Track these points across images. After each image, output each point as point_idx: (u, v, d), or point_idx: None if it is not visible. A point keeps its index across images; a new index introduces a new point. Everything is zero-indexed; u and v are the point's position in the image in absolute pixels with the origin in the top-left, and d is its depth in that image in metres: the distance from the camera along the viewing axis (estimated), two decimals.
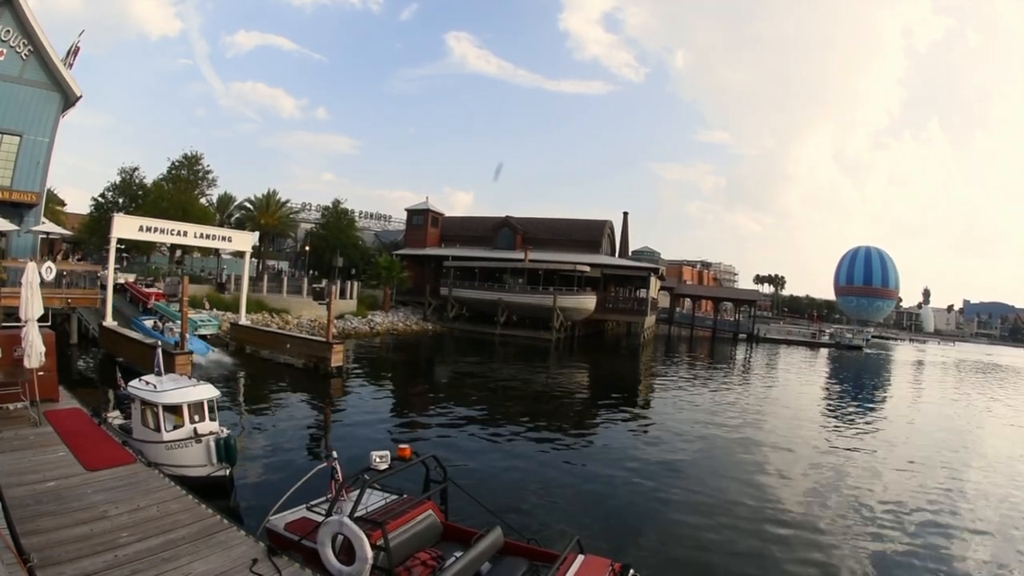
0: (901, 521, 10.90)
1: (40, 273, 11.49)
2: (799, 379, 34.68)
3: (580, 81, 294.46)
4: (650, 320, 49.77)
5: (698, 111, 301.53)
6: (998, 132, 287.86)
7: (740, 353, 48.77)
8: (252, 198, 48.47)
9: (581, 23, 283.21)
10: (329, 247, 50.22)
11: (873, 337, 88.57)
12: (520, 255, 45.09)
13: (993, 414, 26.46)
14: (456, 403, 19.17)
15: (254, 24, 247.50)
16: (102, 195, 40.32)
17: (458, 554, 5.94)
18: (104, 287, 23.20)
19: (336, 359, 21.58)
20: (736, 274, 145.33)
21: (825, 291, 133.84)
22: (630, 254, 62.68)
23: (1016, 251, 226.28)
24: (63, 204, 48.00)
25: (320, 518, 6.42)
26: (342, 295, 37.95)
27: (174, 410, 9.68)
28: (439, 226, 54.74)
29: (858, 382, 35.47)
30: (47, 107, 25.42)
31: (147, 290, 27.92)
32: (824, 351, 57.87)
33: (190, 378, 11.05)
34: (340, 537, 5.86)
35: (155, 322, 23.01)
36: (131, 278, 29.98)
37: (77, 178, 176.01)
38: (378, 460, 6.35)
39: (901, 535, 10.23)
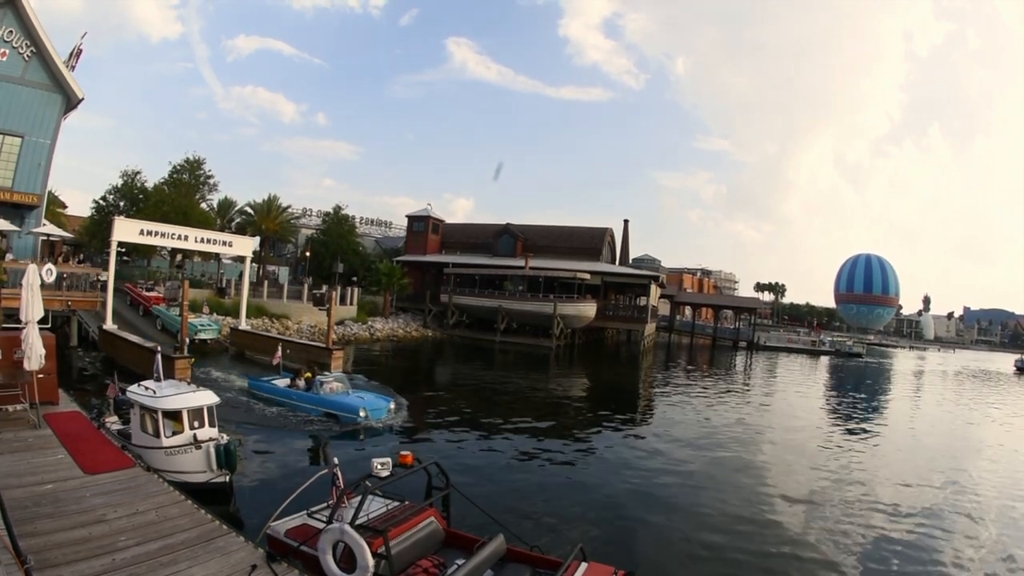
0: (906, 530, 10.82)
1: (40, 275, 11.44)
2: (799, 388, 34.56)
3: (580, 88, 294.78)
4: (650, 328, 49.71)
5: (698, 118, 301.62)
6: (999, 137, 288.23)
7: (740, 361, 48.71)
8: (253, 203, 48.54)
9: (581, 29, 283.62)
10: (329, 253, 50.26)
11: (871, 344, 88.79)
12: (520, 262, 45.12)
13: (990, 418, 26.38)
14: (457, 410, 19.10)
15: (254, 28, 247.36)
16: (103, 198, 40.45)
17: (460, 561, 5.90)
18: (104, 287, 23.12)
19: (336, 365, 21.50)
20: (736, 282, 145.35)
21: (826, 299, 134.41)
22: (630, 262, 62.85)
23: (1017, 257, 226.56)
24: (64, 206, 48.01)
25: (321, 525, 6.37)
26: (342, 301, 37.91)
27: (174, 416, 9.62)
28: (440, 233, 54.85)
29: (858, 391, 35.32)
30: (49, 109, 25.47)
31: (147, 294, 27.89)
32: (824, 359, 57.87)
33: (189, 383, 10.99)
34: (341, 544, 5.81)
35: (292, 380, 16.75)
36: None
37: (78, 180, 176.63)
38: (380, 467, 6.31)
39: (906, 545, 10.15)
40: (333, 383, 16.25)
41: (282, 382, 16.91)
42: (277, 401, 16.18)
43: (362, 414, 14.90)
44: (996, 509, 12.77)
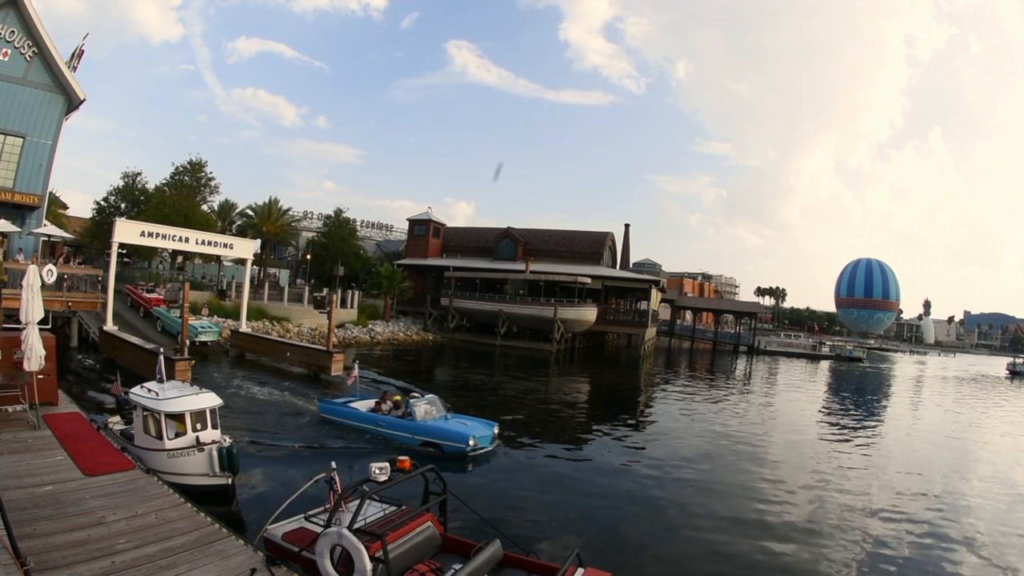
0: (909, 540, 10.81)
1: (41, 276, 11.46)
2: (799, 392, 34.49)
3: (580, 91, 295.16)
4: (651, 332, 49.73)
5: (699, 122, 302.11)
6: (1000, 141, 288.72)
7: (741, 365, 48.64)
8: (253, 205, 48.67)
9: (581, 32, 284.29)
10: (330, 256, 50.28)
11: (871, 349, 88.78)
12: (521, 266, 45.19)
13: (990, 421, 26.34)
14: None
15: (255, 31, 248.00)
16: (104, 199, 40.56)
17: (457, 566, 5.91)
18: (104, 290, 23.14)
19: (336, 368, 21.54)
20: (737, 286, 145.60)
21: (826, 303, 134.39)
22: (631, 266, 62.80)
23: (1017, 261, 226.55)
24: (65, 207, 48.12)
25: (319, 529, 6.39)
26: (343, 304, 37.96)
27: (176, 418, 9.62)
28: (441, 236, 54.91)
29: (858, 396, 35.25)
30: (51, 109, 25.56)
31: (147, 295, 27.92)
32: (824, 363, 57.75)
33: (192, 385, 11.00)
34: (339, 548, 5.82)
35: (378, 404, 14.98)
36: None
37: (79, 182, 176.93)
38: (377, 472, 6.33)
39: (906, 546, 10.14)
40: (426, 406, 14.40)
41: (362, 405, 15.21)
42: (359, 428, 14.47)
43: (471, 443, 13.29)
44: (992, 513, 12.75)
